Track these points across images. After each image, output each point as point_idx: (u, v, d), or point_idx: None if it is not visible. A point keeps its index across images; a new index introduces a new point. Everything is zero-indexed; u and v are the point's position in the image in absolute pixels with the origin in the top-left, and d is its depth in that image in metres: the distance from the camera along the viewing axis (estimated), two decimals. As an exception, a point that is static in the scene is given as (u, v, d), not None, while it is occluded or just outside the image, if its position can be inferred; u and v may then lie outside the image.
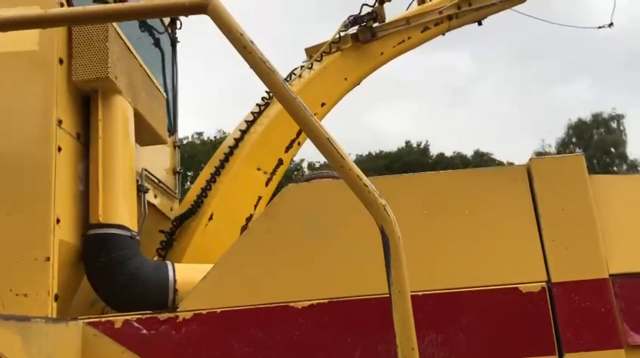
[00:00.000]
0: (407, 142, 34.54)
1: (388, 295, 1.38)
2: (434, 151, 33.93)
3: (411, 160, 31.64)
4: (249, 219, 2.50)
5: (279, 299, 1.40)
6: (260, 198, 2.59)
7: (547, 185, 1.45)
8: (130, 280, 1.68)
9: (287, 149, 2.67)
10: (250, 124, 2.68)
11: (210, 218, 2.42)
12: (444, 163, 30.13)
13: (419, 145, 34.31)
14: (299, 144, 2.71)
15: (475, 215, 1.43)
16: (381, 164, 29.73)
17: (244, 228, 2.48)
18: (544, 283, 1.39)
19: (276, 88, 1.00)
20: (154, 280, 1.76)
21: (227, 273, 1.43)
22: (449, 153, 33.41)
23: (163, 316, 1.42)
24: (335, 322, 1.38)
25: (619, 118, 32.05)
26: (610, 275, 1.39)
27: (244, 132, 2.64)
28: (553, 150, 31.87)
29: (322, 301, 1.39)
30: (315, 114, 2.96)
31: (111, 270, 1.68)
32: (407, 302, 0.98)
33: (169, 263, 1.84)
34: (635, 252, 1.41)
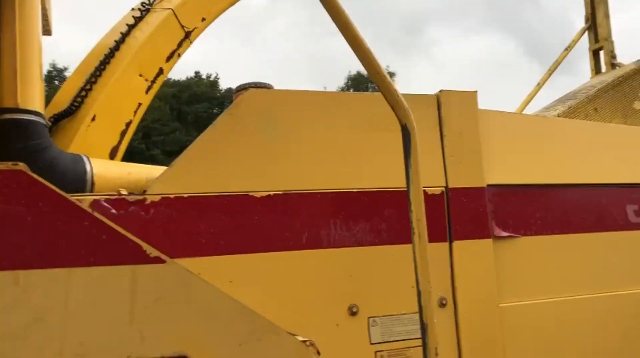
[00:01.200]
0: (197, 73, 33.96)
1: (331, 191, 1.67)
2: (223, 85, 33.97)
3: (200, 91, 31.28)
4: (128, 124, 2.51)
5: (240, 189, 1.58)
6: (140, 104, 2.60)
7: (450, 112, 1.84)
8: (49, 169, 1.68)
9: (168, 58, 2.69)
10: (131, 27, 2.64)
11: (93, 119, 2.39)
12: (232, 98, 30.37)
13: (208, 77, 33.99)
14: (179, 55, 2.75)
15: (398, 131, 1.76)
16: (168, 92, 28.85)
17: (123, 132, 2.49)
18: (443, 188, 1.80)
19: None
20: (71, 171, 1.78)
21: (193, 163, 1.56)
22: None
23: (131, 198, 1.50)
24: (287, 210, 1.62)
25: (390, 75, 35.71)
26: (487, 185, 1.86)
27: (124, 35, 2.60)
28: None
29: (277, 192, 1.61)
30: (195, 29, 3.02)
31: (29, 158, 1.66)
32: (420, 192, 1.28)
33: (83, 156, 1.86)
34: (505, 169, 1.90)
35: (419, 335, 1.70)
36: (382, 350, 1.65)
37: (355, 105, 1.75)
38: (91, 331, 0.96)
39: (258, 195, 1.59)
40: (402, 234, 1.73)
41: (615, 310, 1.96)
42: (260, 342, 1.05)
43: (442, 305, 1.75)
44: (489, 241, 1.83)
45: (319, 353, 1.11)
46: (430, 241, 1.78)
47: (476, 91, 1.89)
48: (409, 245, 1.73)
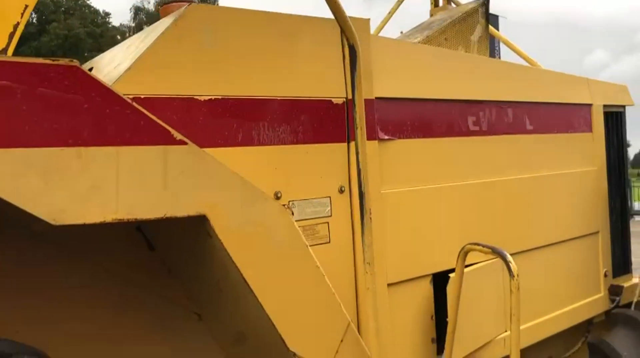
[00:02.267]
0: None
1: (260, 97, 1.98)
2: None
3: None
4: (16, 26, 2.51)
5: (187, 92, 1.84)
6: (26, 7, 2.60)
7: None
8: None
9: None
10: None
11: None
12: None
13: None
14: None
15: (322, 46, 2.11)
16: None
17: (12, 34, 2.50)
18: (344, 99, 2.21)
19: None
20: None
21: (146, 68, 1.77)
22: None
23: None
24: (226, 113, 1.92)
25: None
26: (375, 98, 2.31)
27: None
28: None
29: (217, 96, 1.90)
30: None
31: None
32: (361, 99, 1.65)
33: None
34: (389, 86, 2.36)
35: (324, 214, 2.16)
36: (300, 226, 2.08)
37: (286, 24, 2.06)
38: (137, 195, 1.24)
39: (202, 98, 1.86)
40: (313, 135, 2.13)
41: (462, 195, 2.61)
42: (254, 206, 1.41)
43: (341, 191, 2.21)
44: (375, 142, 2.32)
45: (292, 213, 1.49)
46: (333, 142, 2.22)
47: (369, 18, 2.30)
48: (320, 144, 2.15)
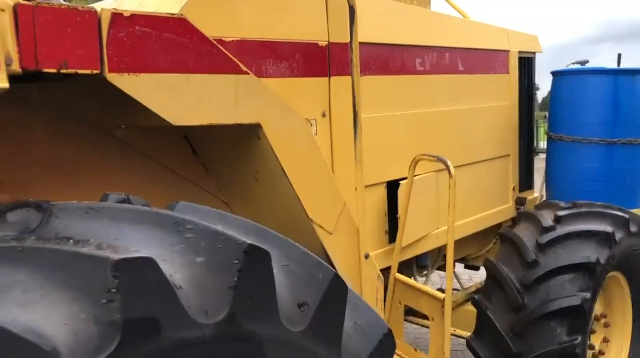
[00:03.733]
0: None
1: (269, 40, 2.56)
2: None
3: None
4: None
5: (217, 35, 2.39)
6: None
7: (331, -10, 2.82)
8: None
9: None
10: None
11: None
12: None
13: None
14: None
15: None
16: None
17: None
18: (327, 42, 2.82)
19: None
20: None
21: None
22: None
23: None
24: (244, 52, 2.49)
25: None
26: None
27: None
28: None
29: (237, 39, 2.46)
30: None
31: None
32: (357, 45, 2.27)
33: None
34: (360, 32, 2.99)
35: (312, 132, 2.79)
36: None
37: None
38: (220, 107, 1.84)
39: (227, 39, 2.42)
40: (305, 71, 2.74)
41: (411, 121, 3.33)
42: (289, 118, 2.04)
43: (324, 115, 2.85)
44: (348, 77, 2.96)
45: (311, 125, 2.13)
46: (318, 76, 2.84)
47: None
48: (308, 78, 2.77)
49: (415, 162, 2.96)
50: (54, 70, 1.45)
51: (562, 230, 3.26)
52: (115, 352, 1.09)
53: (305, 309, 1.44)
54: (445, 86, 3.65)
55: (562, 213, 3.42)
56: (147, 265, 1.14)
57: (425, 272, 3.99)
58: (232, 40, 2.42)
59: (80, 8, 1.54)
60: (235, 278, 1.29)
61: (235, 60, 1.88)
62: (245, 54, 2.46)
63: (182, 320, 1.19)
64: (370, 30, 3.10)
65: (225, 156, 2.29)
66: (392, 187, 3.23)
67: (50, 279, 1.10)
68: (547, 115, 4.49)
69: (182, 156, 2.34)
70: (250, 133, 2.03)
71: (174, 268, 1.22)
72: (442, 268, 4.10)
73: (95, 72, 1.54)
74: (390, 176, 3.23)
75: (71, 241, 1.17)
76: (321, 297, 1.47)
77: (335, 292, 1.51)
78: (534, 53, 4.70)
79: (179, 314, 1.18)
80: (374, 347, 1.63)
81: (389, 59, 3.25)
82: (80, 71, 1.51)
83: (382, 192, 3.22)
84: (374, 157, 3.12)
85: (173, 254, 1.26)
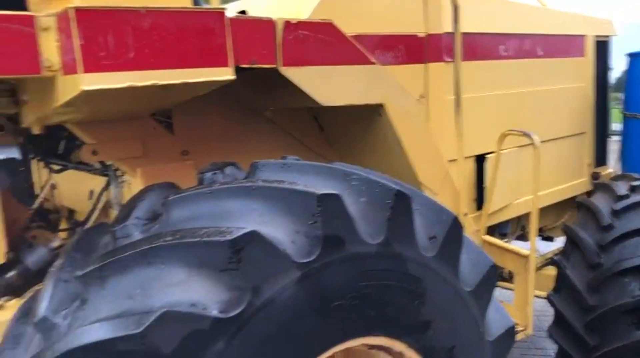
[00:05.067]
0: None
1: (379, 34, 3.05)
2: None
3: None
4: None
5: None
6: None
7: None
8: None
9: None
10: None
11: None
12: None
13: None
14: None
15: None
16: None
17: None
18: (425, 33, 3.27)
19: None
20: None
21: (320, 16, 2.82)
22: None
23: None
24: (361, 44, 2.98)
25: None
26: (444, 32, 3.37)
27: None
28: None
29: (356, 34, 2.96)
30: None
31: None
32: (459, 36, 2.74)
33: None
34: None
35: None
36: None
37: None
38: (355, 92, 2.34)
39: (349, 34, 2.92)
40: (406, 59, 3.21)
41: (498, 101, 3.73)
42: (406, 99, 2.53)
43: (422, 97, 3.31)
44: (443, 64, 3.41)
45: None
46: (417, 63, 3.30)
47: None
48: (409, 65, 3.23)
49: (503, 137, 3.38)
50: (247, 65, 1.99)
51: (636, 198, 3.61)
52: (318, 257, 1.62)
53: (434, 241, 1.93)
54: (527, 69, 4.03)
55: (636, 183, 3.75)
56: (337, 199, 1.66)
57: (505, 240, 4.39)
58: (352, 35, 2.92)
59: (260, 18, 2.07)
60: (389, 214, 1.79)
61: (366, 53, 2.37)
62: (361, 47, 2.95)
63: (356, 239, 1.70)
64: (463, 22, 3.52)
65: (348, 132, 2.80)
66: (480, 160, 3.66)
67: (275, 207, 1.64)
68: (622, 95, 4.77)
69: (311, 132, 2.88)
70: (373, 112, 2.53)
71: (348, 204, 1.74)
72: (520, 238, 4.50)
73: (272, 66, 2.07)
74: (478, 150, 3.65)
75: (285, 183, 1.71)
76: (445, 233, 1.95)
77: (455, 230, 1.99)
78: (609, 36, 4.97)
79: (354, 235, 1.70)
80: (481, 276, 2.10)
81: (477, 46, 3.67)
82: (263, 66, 2.05)
83: (471, 164, 3.66)
84: (465, 133, 3.56)
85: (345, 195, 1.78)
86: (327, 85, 2.24)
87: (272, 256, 1.54)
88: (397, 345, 1.87)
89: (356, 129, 2.73)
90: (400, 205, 1.82)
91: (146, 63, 1.62)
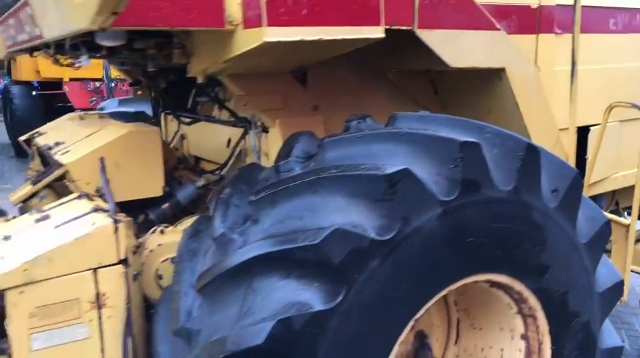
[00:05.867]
0: None
1: (498, 4, 3.17)
2: None
3: None
4: None
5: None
6: None
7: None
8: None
9: None
10: None
11: None
12: None
13: None
14: None
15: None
16: None
17: None
18: (538, 4, 3.35)
19: None
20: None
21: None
22: None
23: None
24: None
25: None
26: (556, 4, 3.44)
27: None
28: None
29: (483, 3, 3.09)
30: None
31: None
32: (579, 7, 2.84)
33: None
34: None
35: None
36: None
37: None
38: (482, 54, 2.50)
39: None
40: (519, 29, 3.31)
41: (609, 74, 3.75)
42: (524, 64, 2.66)
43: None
44: (553, 35, 3.48)
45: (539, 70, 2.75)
46: (529, 33, 3.39)
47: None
48: (522, 35, 3.33)
49: (610, 109, 3.44)
50: (388, 26, 2.19)
51: None
52: (457, 197, 1.82)
53: (556, 194, 2.09)
54: (635, 44, 4.02)
55: None
56: (477, 147, 1.86)
57: (599, 214, 4.44)
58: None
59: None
60: (519, 165, 1.97)
61: (492, 19, 2.53)
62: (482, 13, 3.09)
63: (490, 185, 1.89)
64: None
65: (464, 95, 2.97)
66: (581, 132, 3.73)
67: (419, 151, 1.86)
68: None
69: (427, 95, 3.06)
70: (494, 76, 2.68)
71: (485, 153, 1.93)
72: (613, 213, 4.52)
73: (409, 28, 2.27)
74: (581, 122, 3.72)
75: (429, 130, 1.92)
76: (567, 187, 2.11)
77: (576, 185, 2.14)
78: None
79: (489, 181, 1.89)
80: (596, 231, 2.25)
81: (589, 19, 3.70)
82: (401, 27, 2.24)
83: (573, 134, 3.73)
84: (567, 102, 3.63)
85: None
86: (455, 48, 2.41)
87: (420, 192, 1.76)
88: (517, 285, 2.07)
89: (472, 93, 2.89)
90: (529, 158, 1.99)
91: (315, 20, 1.86)
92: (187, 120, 3.48)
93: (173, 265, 2.41)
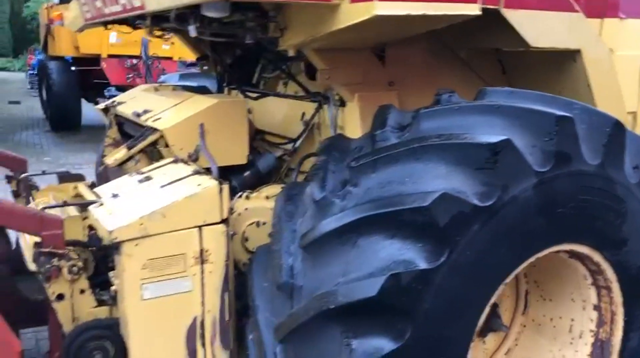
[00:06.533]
0: None
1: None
2: None
3: None
4: None
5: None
6: None
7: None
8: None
9: None
10: None
11: None
12: None
13: None
14: None
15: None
16: None
17: None
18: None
19: None
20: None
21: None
22: None
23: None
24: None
25: None
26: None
27: None
28: None
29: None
30: None
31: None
32: None
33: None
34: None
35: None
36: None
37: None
38: (562, 34, 2.56)
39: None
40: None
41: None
42: (598, 46, 2.73)
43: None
44: (617, 19, 3.52)
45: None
46: (593, 17, 3.44)
47: None
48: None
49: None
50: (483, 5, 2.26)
51: None
52: (551, 169, 1.92)
53: (637, 170, 2.18)
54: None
55: None
56: (571, 122, 1.94)
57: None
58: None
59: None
60: (605, 140, 2.05)
61: (572, 1, 2.59)
62: None
63: (580, 158, 1.98)
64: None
65: (533, 76, 3.03)
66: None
67: (515, 124, 1.95)
68: None
69: (495, 74, 3.13)
70: (568, 57, 2.75)
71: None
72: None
73: (496, 7, 2.34)
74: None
75: (525, 103, 2.00)
76: (647, 164, 2.19)
77: (655, 163, 2.22)
78: None
79: (579, 155, 1.98)
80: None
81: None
82: (488, 7, 2.32)
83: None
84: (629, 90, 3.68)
85: (569, 121, 2.06)
86: (537, 27, 2.48)
87: (519, 162, 1.86)
88: (596, 256, 2.16)
89: (541, 73, 2.96)
90: (616, 134, 2.07)
91: (419, -5, 1.95)
92: (254, 95, 3.59)
93: (257, 228, 2.55)
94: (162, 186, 2.17)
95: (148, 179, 2.27)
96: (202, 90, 3.99)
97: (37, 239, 2.18)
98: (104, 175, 3.00)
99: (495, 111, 1.99)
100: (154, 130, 2.58)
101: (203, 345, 2.17)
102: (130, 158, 2.60)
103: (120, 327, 2.18)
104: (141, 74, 11.28)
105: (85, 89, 13.15)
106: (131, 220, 1.98)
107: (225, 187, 2.14)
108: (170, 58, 12.03)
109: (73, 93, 12.60)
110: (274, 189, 2.70)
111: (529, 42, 2.49)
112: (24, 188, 3.16)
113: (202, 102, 2.67)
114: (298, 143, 3.04)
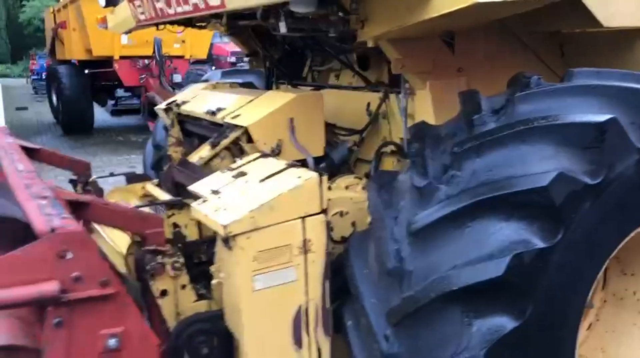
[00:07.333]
0: None
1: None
2: None
3: None
4: None
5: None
6: None
7: None
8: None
9: None
10: None
11: None
12: None
13: None
14: None
15: None
16: None
17: None
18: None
19: None
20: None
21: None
22: None
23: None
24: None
25: None
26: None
27: None
28: None
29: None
30: None
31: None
32: None
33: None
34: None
35: None
36: None
37: None
38: (626, 13, 2.61)
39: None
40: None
41: None
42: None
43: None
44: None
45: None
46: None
47: None
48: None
49: None
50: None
51: None
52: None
53: None
54: None
55: None
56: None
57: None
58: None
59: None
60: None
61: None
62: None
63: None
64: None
65: (591, 59, 3.07)
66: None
67: (612, 103, 1.99)
68: None
69: (555, 57, 3.17)
70: (634, 38, 2.79)
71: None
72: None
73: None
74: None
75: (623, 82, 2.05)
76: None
77: None
78: None
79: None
80: None
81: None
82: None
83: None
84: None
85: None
86: (609, 8, 2.52)
87: (624, 140, 1.90)
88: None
89: (601, 57, 3.00)
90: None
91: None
92: (309, 89, 3.63)
93: (341, 218, 2.60)
94: (261, 180, 2.22)
95: (242, 174, 2.32)
96: (249, 86, 4.04)
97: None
98: (169, 175, 3.05)
99: (592, 91, 2.03)
100: (236, 127, 2.62)
101: (307, 332, 2.22)
102: (215, 155, 2.64)
103: (222, 319, 2.24)
104: (154, 74, 11.30)
105: (95, 92, 13.18)
106: (242, 213, 2.02)
107: (325, 178, 2.19)
108: (182, 57, 12.06)
109: (85, 96, 12.62)
110: (349, 179, 2.75)
111: (602, 22, 2.53)
112: (94, 192, 3.20)
113: (280, 97, 2.71)
114: (365, 133, 3.09)
